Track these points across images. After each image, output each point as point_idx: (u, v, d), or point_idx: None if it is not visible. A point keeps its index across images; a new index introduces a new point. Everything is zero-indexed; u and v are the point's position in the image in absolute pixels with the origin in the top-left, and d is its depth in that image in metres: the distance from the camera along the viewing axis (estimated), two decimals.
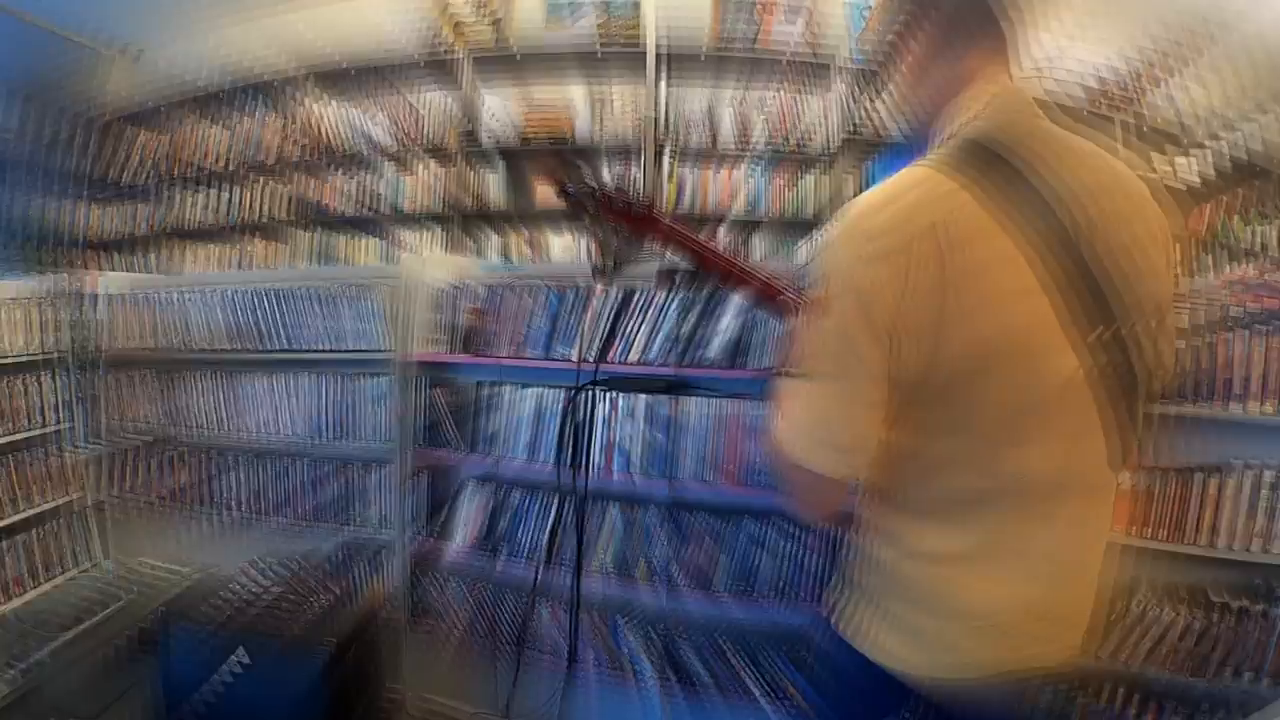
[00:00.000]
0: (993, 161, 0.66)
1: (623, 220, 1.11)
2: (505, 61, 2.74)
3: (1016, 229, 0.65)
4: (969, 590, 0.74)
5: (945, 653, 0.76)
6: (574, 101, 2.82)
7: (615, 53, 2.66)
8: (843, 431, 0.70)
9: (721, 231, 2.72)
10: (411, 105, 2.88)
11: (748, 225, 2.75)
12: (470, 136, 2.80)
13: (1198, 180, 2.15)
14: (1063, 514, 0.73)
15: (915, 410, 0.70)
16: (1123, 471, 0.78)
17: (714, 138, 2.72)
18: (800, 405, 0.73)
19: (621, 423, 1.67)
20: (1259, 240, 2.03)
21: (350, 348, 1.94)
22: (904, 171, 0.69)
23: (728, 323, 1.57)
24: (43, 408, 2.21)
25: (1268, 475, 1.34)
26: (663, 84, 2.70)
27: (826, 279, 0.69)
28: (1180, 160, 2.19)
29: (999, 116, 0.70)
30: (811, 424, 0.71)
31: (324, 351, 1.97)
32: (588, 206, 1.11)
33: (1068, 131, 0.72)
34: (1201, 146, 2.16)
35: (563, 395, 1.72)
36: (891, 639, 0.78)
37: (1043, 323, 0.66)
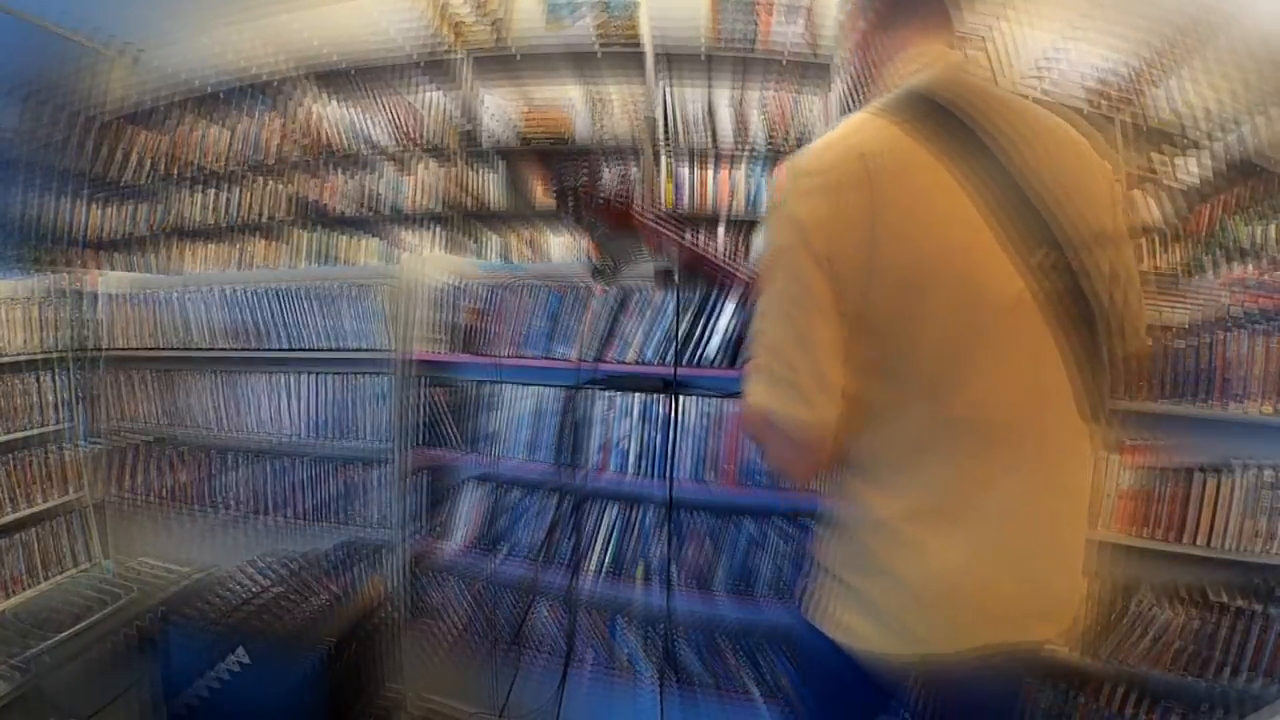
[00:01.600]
0: (928, 105, 0.71)
1: (604, 215, 1.12)
2: (505, 62, 2.74)
3: (951, 162, 0.67)
4: (927, 553, 0.70)
5: (909, 627, 0.72)
6: (573, 102, 2.82)
7: (614, 53, 2.66)
8: (800, 368, 0.69)
9: (721, 231, 2.72)
10: (411, 105, 2.88)
11: (747, 225, 2.74)
12: (470, 136, 2.80)
13: (1197, 179, 2.15)
14: (1026, 463, 0.69)
15: (860, 348, 0.69)
16: (1107, 447, 0.76)
17: (713, 137, 2.72)
18: (759, 351, 0.72)
19: (620, 422, 1.67)
20: (1259, 240, 2.03)
21: (350, 347, 1.94)
22: (846, 119, 0.74)
23: (726, 322, 1.57)
24: (43, 407, 2.21)
25: (1267, 475, 1.34)
26: (662, 84, 2.70)
27: (772, 222, 0.72)
28: (1179, 159, 2.19)
29: (935, 72, 0.74)
30: (769, 366, 0.71)
31: (324, 351, 1.97)
32: (572, 201, 1.11)
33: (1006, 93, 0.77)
34: (1200, 146, 2.16)
35: (561, 395, 1.72)
36: (854, 617, 0.74)
37: (981, 244, 0.67)
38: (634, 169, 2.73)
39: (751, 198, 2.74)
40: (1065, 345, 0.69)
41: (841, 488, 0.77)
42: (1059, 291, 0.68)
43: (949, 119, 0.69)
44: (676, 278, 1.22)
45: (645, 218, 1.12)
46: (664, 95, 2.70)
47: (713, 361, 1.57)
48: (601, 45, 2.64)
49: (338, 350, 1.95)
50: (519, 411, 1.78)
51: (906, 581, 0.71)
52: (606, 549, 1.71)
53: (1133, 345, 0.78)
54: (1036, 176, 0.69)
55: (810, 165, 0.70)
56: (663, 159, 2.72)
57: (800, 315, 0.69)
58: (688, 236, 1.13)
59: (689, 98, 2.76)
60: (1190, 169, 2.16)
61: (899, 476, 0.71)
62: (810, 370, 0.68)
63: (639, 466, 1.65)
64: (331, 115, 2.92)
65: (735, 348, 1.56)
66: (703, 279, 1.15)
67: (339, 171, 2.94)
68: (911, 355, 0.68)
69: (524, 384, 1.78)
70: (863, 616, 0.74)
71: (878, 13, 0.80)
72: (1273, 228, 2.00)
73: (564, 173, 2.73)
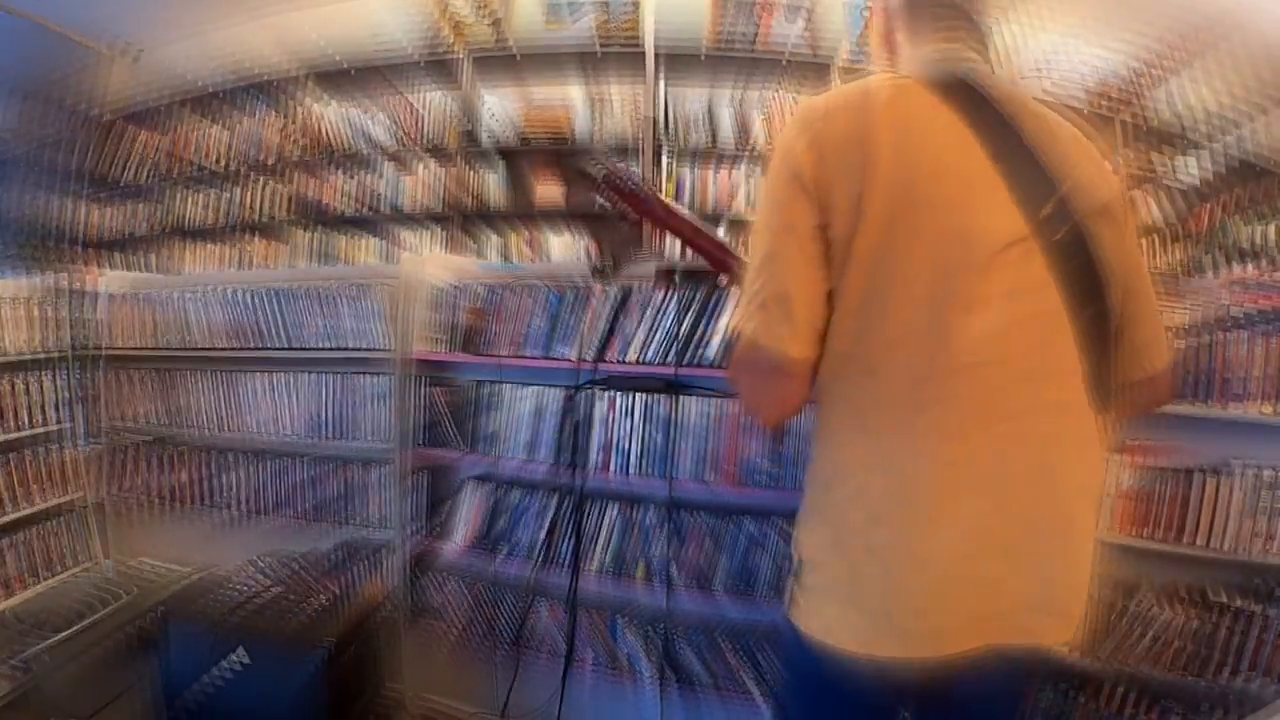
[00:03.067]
0: (941, 71, 0.73)
1: (623, 199, 1.13)
2: (505, 61, 2.74)
3: (957, 108, 0.68)
4: (918, 531, 0.64)
5: (896, 620, 0.65)
6: (573, 101, 2.82)
7: (615, 52, 2.66)
8: (785, 296, 0.67)
9: (721, 232, 2.72)
10: (411, 105, 2.88)
11: (747, 225, 2.74)
12: (470, 136, 2.80)
13: (1197, 180, 2.15)
14: (1034, 434, 0.65)
15: (849, 284, 0.66)
16: (1112, 442, 0.71)
17: (713, 137, 2.73)
18: (748, 278, 0.71)
19: (620, 422, 1.67)
20: (1259, 240, 2.03)
21: (350, 347, 1.94)
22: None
23: (726, 322, 1.57)
24: (43, 406, 2.21)
25: (1267, 475, 1.34)
26: (662, 84, 2.70)
27: (771, 157, 0.73)
28: (1180, 160, 2.19)
29: (948, 52, 0.76)
30: (753, 295, 0.70)
31: (324, 351, 1.97)
32: (592, 181, 1.15)
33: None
34: (1201, 146, 2.16)
35: (562, 395, 1.72)
36: (834, 609, 0.68)
37: (985, 182, 0.66)
38: (633, 169, 2.73)
39: (752, 198, 2.74)
40: (1075, 320, 0.66)
41: (822, 452, 0.73)
42: (1067, 253, 0.66)
43: (961, 85, 0.71)
44: (697, 273, 1.25)
45: (662, 203, 1.14)
46: (664, 95, 2.70)
47: (713, 362, 1.57)
48: (601, 45, 2.64)
49: (338, 350, 1.95)
50: (519, 411, 1.78)
51: (893, 565, 0.65)
52: (607, 549, 1.71)
53: (1150, 364, 0.76)
54: (1044, 142, 0.69)
55: (812, 102, 0.72)
56: (663, 159, 2.72)
57: (789, 245, 0.68)
58: (703, 226, 1.14)
59: (689, 98, 2.77)
60: (1190, 169, 2.16)
61: (886, 439, 0.66)
62: (795, 299, 0.67)
63: (639, 466, 1.65)
64: (332, 114, 2.93)
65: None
66: (726, 276, 1.16)
67: (339, 171, 2.94)
68: (903, 291, 0.65)
69: (524, 384, 1.78)
70: (844, 608, 0.68)
71: (904, 19, 0.81)
72: (1272, 228, 2.00)
73: (577, 159, 2.74)
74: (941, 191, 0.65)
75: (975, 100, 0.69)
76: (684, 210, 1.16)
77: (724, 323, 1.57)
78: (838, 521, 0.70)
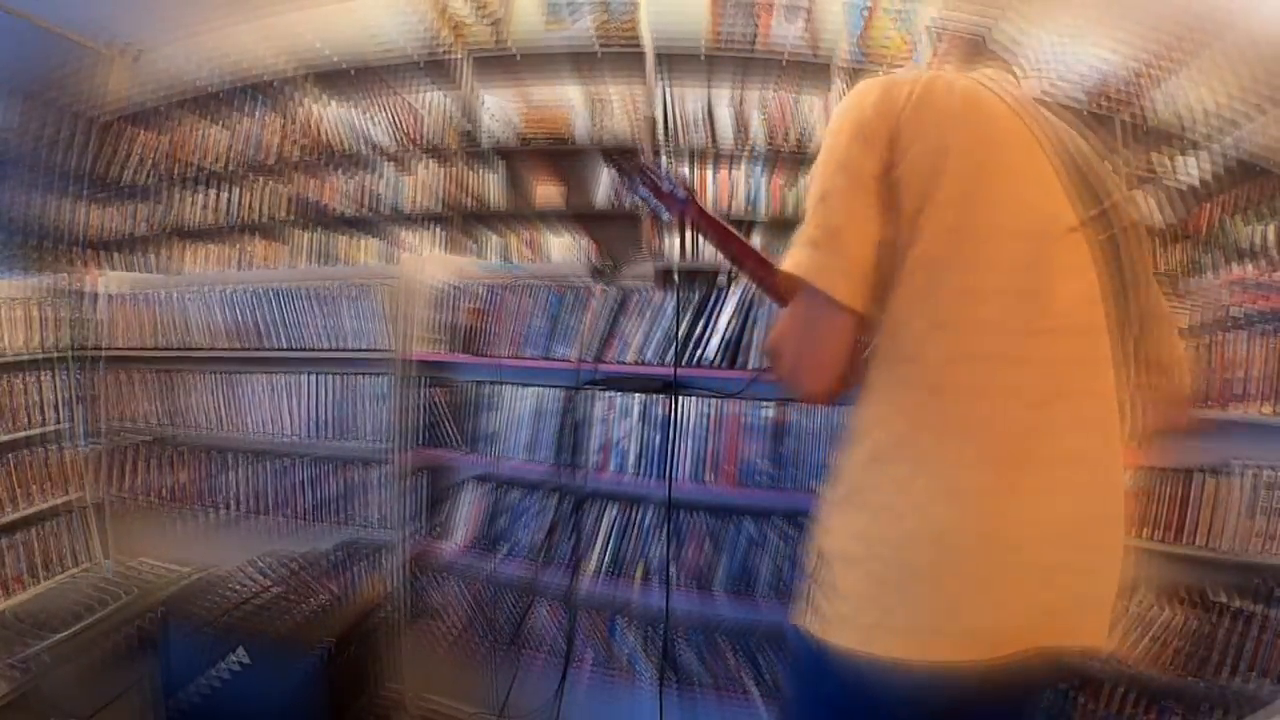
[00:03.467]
0: (990, 83, 0.74)
1: (662, 198, 1.17)
2: (504, 62, 2.74)
3: (1015, 106, 0.70)
4: (993, 501, 0.59)
5: (961, 611, 0.58)
6: (573, 101, 2.82)
7: (614, 53, 2.66)
8: (835, 229, 0.67)
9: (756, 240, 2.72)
10: (411, 105, 2.88)
11: (747, 225, 2.74)
12: (469, 137, 2.80)
13: (1197, 180, 2.15)
14: (1092, 407, 0.65)
15: (929, 230, 0.64)
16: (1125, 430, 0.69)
17: (713, 137, 2.73)
18: (808, 223, 0.70)
19: (619, 422, 1.67)
20: (1259, 240, 2.03)
21: (350, 347, 1.94)
22: None
23: (726, 323, 1.57)
24: (43, 406, 2.21)
25: (1267, 476, 1.34)
26: (662, 84, 2.70)
27: (827, 133, 0.72)
28: (1180, 159, 2.19)
29: (996, 73, 0.79)
30: (804, 235, 0.69)
31: (324, 351, 1.97)
32: (634, 176, 1.18)
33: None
34: (1201, 146, 2.16)
35: (561, 395, 1.72)
36: (878, 613, 0.61)
37: (1046, 179, 0.68)
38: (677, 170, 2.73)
39: (751, 198, 2.74)
40: (1110, 319, 0.67)
41: (870, 423, 0.68)
42: (1105, 255, 0.68)
43: (1012, 96, 0.73)
44: (729, 273, 1.27)
45: (701, 208, 1.16)
46: (664, 95, 2.70)
47: (713, 362, 1.57)
48: (601, 45, 2.64)
49: (338, 350, 1.95)
50: (519, 412, 1.78)
51: (958, 547, 0.59)
52: (606, 549, 1.71)
53: (1170, 381, 0.76)
54: (1086, 161, 0.72)
55: (870, 80, 0.72)
56: (663, 159, 2.72)
57: (843, 185, 0.67)
58: (740, 234, 1.16)
59: (689, 98, 2.77)
60: (1190, 169, 2.16)
61: (962, 398, 0.63)
62: (848, 236, 0.66)
63: (639, 466, 1.65)
64: (331, 115, 2.93)
65: (735, 348, 1.56)
66: (753, 280, 1.18)
67: (339, 171, 2.95)
68: (993, 248, 0.65)
69: (524, 384, 1.78)
70: (888, 607, 0.61)
71: (958, 59, 0.86)
72: (1272, 228, 2.00)
73: (571, 172, 2.74)
74: (1017, 164, 0.67)
75: (1032, 114, 0.72)
76: (719, 218, 1.17)
77: (723, 324, 1.57)
78: (888, 502, 0.63)
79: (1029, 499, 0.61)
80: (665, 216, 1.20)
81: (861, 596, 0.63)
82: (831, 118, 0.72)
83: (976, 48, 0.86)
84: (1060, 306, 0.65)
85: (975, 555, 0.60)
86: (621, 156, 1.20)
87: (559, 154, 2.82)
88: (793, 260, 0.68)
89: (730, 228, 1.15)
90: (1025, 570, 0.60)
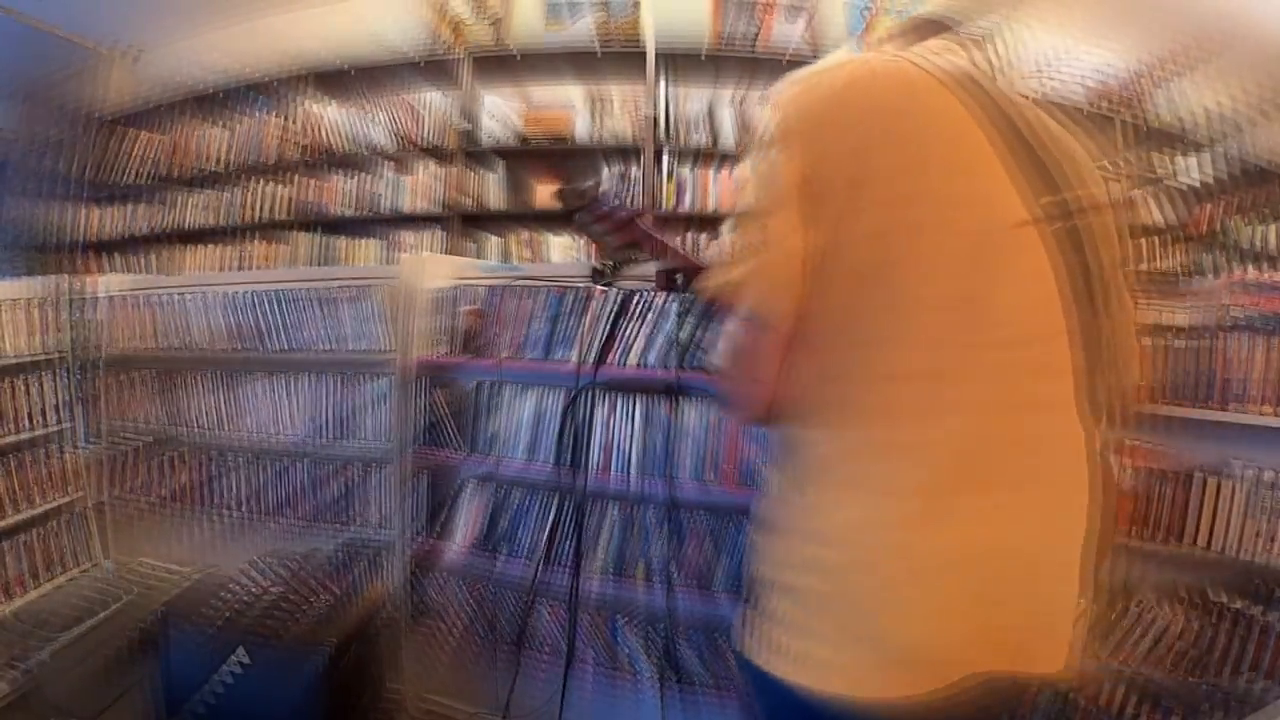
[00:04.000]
0: (932, 64, 0.68)
1: (608, 224, 1.10)
2: (505, 62, 2.74)
3: (958, 91, 0.64)
4: (928, 524, 0.56)
5: (895, 642, 0.56)
6: (573, 102, 2.82)
7: (615, 53, 2.66)
8: (766, 244, 0.62)
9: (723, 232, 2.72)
10: (411, 106, 2.88)
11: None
12: (470, 137, 2.80)
13: (1198, 181, 2.15)
14: (1040, 421, 0.60)
15: (852, 237, 0.59)
16: (1097, 431, 0.64)
17: (714, 138, 2.72)
18: (728, 243, 0.67)
19: (620, 424, 1.67)
20: (1260, 242, 2.03)
21: (350, 348, 1.94)
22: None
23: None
24: (43, 408, 2.21)
25: (1268, 477, 1.34)
26: (663, 84, 2.70)
27: (756, 133, 0.67)
28: (1181, 161, 2.19)
29: (942, 49, 0.72)
30: (734, 253, 0.66)
31: (324, 352, 1.97)
32: (578, 206, 1.11)
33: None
34: (1203, 147, 2.16)
35: (562, 397, 1.72)
36: (814, 644, 0.58)
37: (989, 170, 0.61)
38: (634, 169, 2.73)
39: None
40: (1067, 318, 0.61)
41: (797, 445, 0.65)
42: (1064, 247, 0.61)
43: (958, 76, 0.66)
44: (680, 285, 1.22)
45: (650, 227, 1.11)
46: (664, 95, 2.70)
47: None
48: (602, 45, 2.64)
49: (338, 352, 1.95)
50: (520, 413, 1.78)
51: (891, 575, 0.56)
52: (607, 550, 1.71)
53: (1123, 377, 0.69)
54: (1041, 139, 0.65)
55: (801, 70, 0.66)
56: (664, 159, 2.72)
57: (774, 199, 0.63)
58: (690, 247, 1.12)
59: (689, 98, 2.76)
60: (1192, 171, 2.16)
61: (892, 420, 0.59)
62: (780, 252, 0.62)
63: (640, 468, 1.65)
64: (331, 116, 2.92)
65: None
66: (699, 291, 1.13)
67: (339, 172, 2.94)
68: (921, 253, 0.59)
69: (525, 385, 1.78)
70: (824, 639, 0.58)
71: (906, 39, 0.78)
72: (1273, 230, 2.01)
73: (570, 173, 2.73)
74: (953, 153, 0.61)
75: (973, 92, 0.65)
76: (674, 240, 1.12)
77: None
78: (815, 530, 0.61)
79: (969, 524, 0.57)
80: (613, 243, 1.14)
81: (793, 625, 0.60)
82: (762, 117, 0.67)
83: (918, 24, 0.77)
84: (1005, 314, 0.59)
85: (907, 585, 0.57)
86: (572, 195, 1.13)
87: (559, 154, 2.82)
88: (718, 279, 0.66)
89: (683, 250, 1.11)
90: (965, 598, 0.57)
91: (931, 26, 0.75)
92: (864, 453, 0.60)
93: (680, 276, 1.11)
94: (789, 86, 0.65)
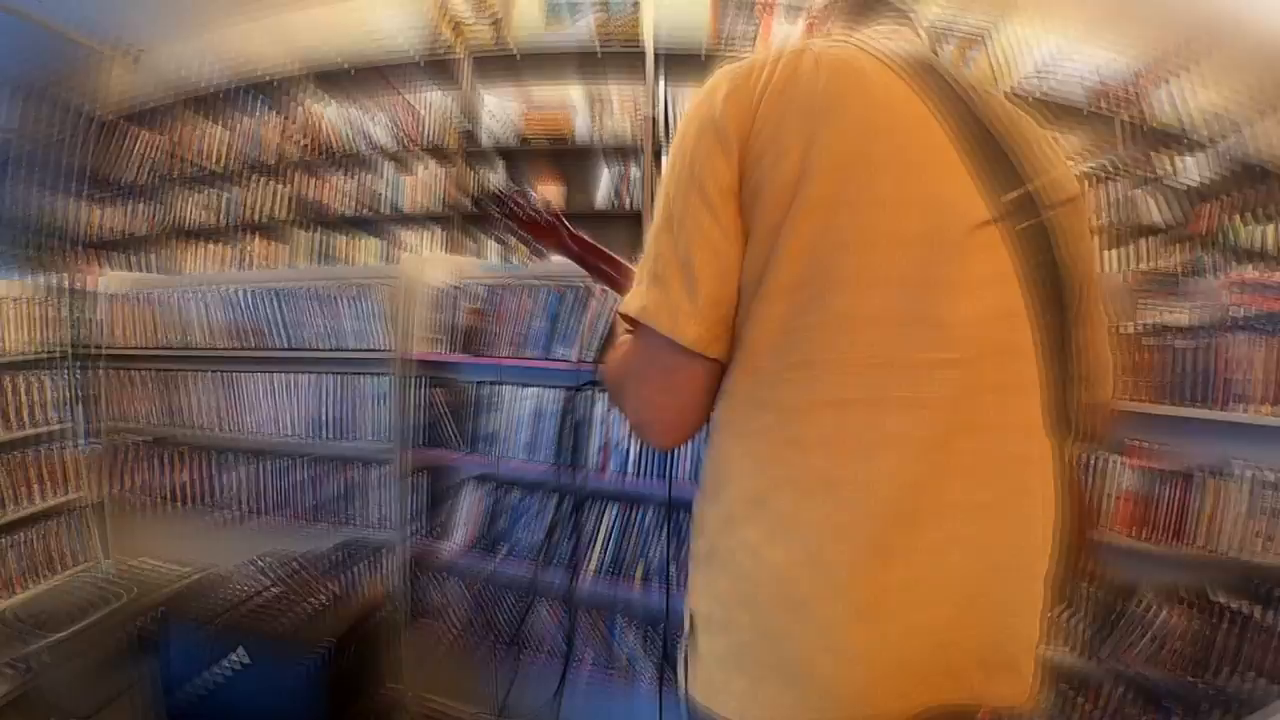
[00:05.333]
0: (885, 50, 0.62)
1: (528, 228, 1.09)
2: (505, 61, 2.74)
3: (912, 79, 0.58)
4: (867, 564, 0.52)
5: (827, 684, 0.53)
6: (573, 101, 2.82)
7: (615, 53, 2.66)
8: (684, 262, 0.56)
9: None
10: (411, 105, 2.88)
11: None
12: (470, 136, 2.80)
13: (1198, 180, 2.15)
14: (995, 444, 0.55)
15: (788, 250, 0.54)
16: (1066, 442, 0.60)
17: None
18: (645, 258, 0.59)
19: (620, 423, 1.67)
20: (1260, 241, 2.03)
21: (350, 347, 1.94)
22: None
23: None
24: (43, 406, 2.21)
25: (1268, 477, 1.34)
26: (662, 84, 2.70)
27: (675, 133, 0.60)
28: (1181, 160, 2.19)
29: (894, 34, 0.68)
30: (647, 268, 0.58)
31: (324, 351, 1.97)
32: (496, 212, 1.09)
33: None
34: (1203, 147, 2.16)
35: (561, 395, 1.72)
36: (746, 681, 0.55)
37: (944, 163, 0.55)
38: (634, 169, 2.73)
39: None
40: (1034, 326, 0.56)
41: (725, 478, 0.59)
42: (1029, 247, 0.56)
43: (912, 62, 0.60)
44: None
45: (573, 232, 1.10)
46: (664, 95, 2.70)
47: None
48: (602, 45, 2.64)
49: (338, 350, 1.95)
50: (519, 412, 1.78)
51: (826, 618, 0.52)
52: (606, 549, 1.71)
53: (1096, 392, 0.65)
54: (1004, 129, 0.59)
55: (736, 62, 0.60)
56: (663, 159, 2.72)
57: (696, 208, 0.56)
58: (619, 254, 1.11)
59: (689, 98, 2.75)
60: (1192, 171, 2.16)
61: (829, 451, 0.54)
62: (699, 269, 0.55)
63: (639, 467, 1.65)
64: (332, 115, 2.92)
65: None
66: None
67: (339, 171, 2.94)
68: (864, 265, 0.53)
69: (524, 384, 1.78)
70: (756, 677, 0.54)
71: (845, 19, 0.72)
72: (1273, 229, 2.00)
73: (570, 174, 2.73)
74: (904, 149, 0.55)
75: (929, 79, 0.58)
76: (591, 240, 1.09)
77: None
78: (744, 567, 0.56)
79: (919, 560, 0.53)
80: (535, 246, 1.13)
81: (725, 662, 0.57)
82: (679, 120, 0.62)
83: (866, 5, 0.70)
84: (960, 330, 0.53)
85: (851, 627, 0.52)
86: (489, 198, 1.11)
87: (559, 154, 2.82)
88: (635, 300, 0.57)
89: (608, 252, 1.07)
90: (916, 637, 0.53)
91: (877, 4, 0.70)
92: (795, 488, 0.54)
93: (504, 208, 1.08)
94: (719, 79, 0.59)
